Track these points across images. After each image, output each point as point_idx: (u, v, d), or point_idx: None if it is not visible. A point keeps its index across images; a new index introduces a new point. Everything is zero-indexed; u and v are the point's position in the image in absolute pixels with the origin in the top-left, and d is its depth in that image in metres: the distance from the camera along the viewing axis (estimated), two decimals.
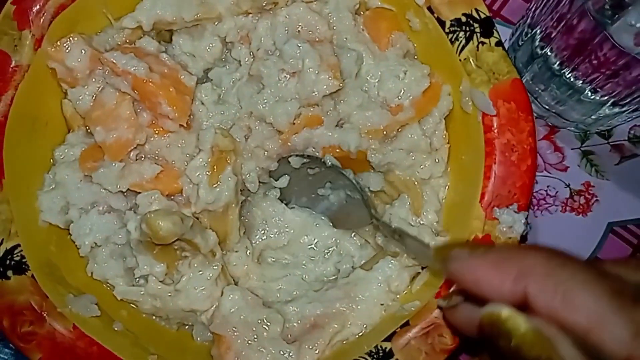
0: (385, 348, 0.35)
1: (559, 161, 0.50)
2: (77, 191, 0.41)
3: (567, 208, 0.49)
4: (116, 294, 0.40)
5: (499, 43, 0.39)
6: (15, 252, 0.36)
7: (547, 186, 0.49)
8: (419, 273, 0.40)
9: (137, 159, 0.41)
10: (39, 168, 0.41)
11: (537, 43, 0.46)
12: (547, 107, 0.48)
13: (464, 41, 0.39)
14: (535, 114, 0.42)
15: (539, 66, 0.47)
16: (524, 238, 0.36)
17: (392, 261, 0.40)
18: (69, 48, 0.40)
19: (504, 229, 0.36)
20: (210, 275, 0.40)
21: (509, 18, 0.53)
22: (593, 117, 0.47)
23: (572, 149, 0.50)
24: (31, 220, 0.39)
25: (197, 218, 0.41)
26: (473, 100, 0.38)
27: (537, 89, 0.47)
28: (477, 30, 0.38)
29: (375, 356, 0.35)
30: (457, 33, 0.39)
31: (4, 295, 0.35)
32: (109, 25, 0.43)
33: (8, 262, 0.36)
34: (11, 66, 0.39)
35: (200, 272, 0.40)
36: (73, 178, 0.41)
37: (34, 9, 0.40)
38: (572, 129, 0.50)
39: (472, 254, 0.27)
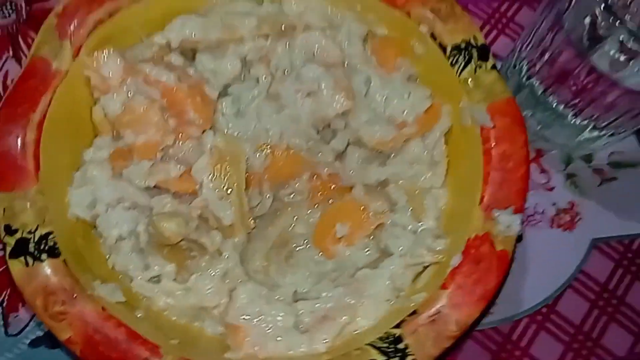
0: (395, 334, 0.38)
1: (545, 182, 0.55)
2: (105, 188, 0.43)
3: (554, 224, 0.53)
4: (133, 286, 0.42)
5: (494, 67, 0.43)
6: (49, 237, 0.39)
7: (536, 204, 0.54)
8: (422, 271, 0.43)
9: (162, 160, 0.44)
10: (69, 167, 0.44)
11: (523, 74, 0.52)
12: (533, 131, 0.53)
13: (463, 64, 0.44)
14: None
15: (526, 94, 0.52)
16: (519, 237, 0.40)
17: (397, 260, 0.43)
18: (105, 58, 0.44)
19: (502, 229, 0.40)
20: (218, 273, 0.43)
21: (499, 53, 0.58)
22: (575, 140, 0.51)
23: (557, 171, 0.55)
24: (62, 213, 0.42)
25: (205, 219, 0.44)
26: (472, 114, 0.43)
27: (524, 114, 0.52)
28: (475, 54, 0.43)
29: (385, 341, 0.37)
30: (457, 57, 0.44)
31: (38, 277, 0.37)
32: (140, 42, 0.47)
33: (43, 246, 0.38)
34: (51, 71, 0.43)
35: (208, 271, 0.43)
36: (102, 176, 0.43)
37: (75, 22, 0.44)
38: (557, 152, 0.55)
39: None
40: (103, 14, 0.44)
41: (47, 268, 0.38)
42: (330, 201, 0.48)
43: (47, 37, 0.43)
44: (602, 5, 0.39)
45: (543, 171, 0.55)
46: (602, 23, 0.40)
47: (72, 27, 0.43)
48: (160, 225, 0.39)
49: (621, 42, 0.40)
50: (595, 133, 0.50)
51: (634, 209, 0.53)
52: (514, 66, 0.52)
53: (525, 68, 0.51)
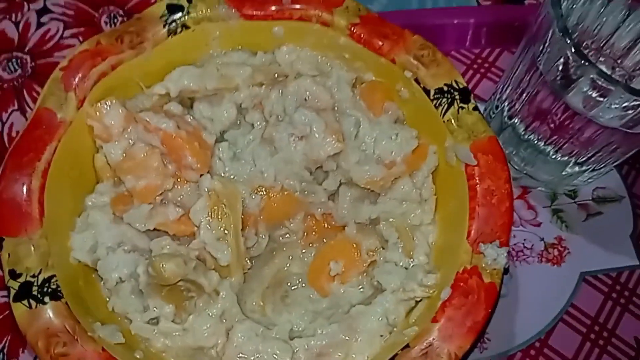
0: None
1: (532, 218, 0.56)
2: (106, 232, 0.45)
3: (543, 259, 0.55)
4: (132, 328, 0.43)
5: (476, 108, 0.46)
6: (51, 281, 0.40)
7: (524, 239, 0.55)
8: (414, 306, 0.44)
9: (162, 203, 0.46)
10: (72, 212, 0.46)
11: (505, 114, 0.54)
12: (518, 168, 0.55)
13: (446, 106, 0.46)
14: None
15: (508, 133, 0.54)
16: (505, 270, 0.41)
17: (389, 296, 0.44)
18: (107, 108, 0.47)
19: (489, 262, 0.41)
20: (215, 313, 0.44)
21: (482, 96, 0.61)
22: (559, 177, 0.53)
23: (543, 207, 0.57)
24: (64, 257, 0.43)
25: (203, 259, 0.45)
26: (456, 153, 0.45)
27: (508, 152, 0.55)
28: (457, 97, 0.46)
29: None
30: (440, 99, 0.46)
31: (40, 319, 0.38)
32: (141, 92, 0.50)
33: (45, 289, 0.39)
34: (56, 121, 0.45)
35: (206, 311, 0.44)
36: (103, 220, 0.45)
37: (79, 75, 0.46)
38: (542, 189, 0.57)
39: None
40: (106, 67, 0.47)
41: (49, 310, 0.39)
42: (324, 240, 0.50)
43: (52, 89, 0.45)
44: (572, 48, 0.42)
45: (530, 207, 0.57)
46: (574, 64, 0.43)
47: (76, 80, 0.46)
48: (160, 265, 0.40)
49: (593, 81, 0.42)
50: (577, 168, 0.52)
51: (620, 243, 0.55)
52: (496, 107, 0.55)
53: (506, 108, 0.53)
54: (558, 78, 0.45)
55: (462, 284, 0.40)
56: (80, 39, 0.64)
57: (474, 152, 0.44)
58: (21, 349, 0.51)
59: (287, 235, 0.50)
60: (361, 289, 0.48)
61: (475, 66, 0.64)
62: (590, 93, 0.44)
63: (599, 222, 0.56)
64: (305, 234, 0.50)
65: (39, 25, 0.65)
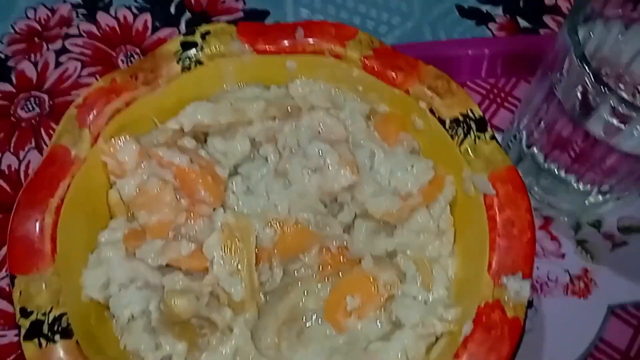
0: None
1: (556, 249, 0.54)
2: (118, 268, 0.44)
3: (569, 292, 0.53)
4: None
5: (493, 137, 0.45)
6: (62, 319, 0.39)
7: (548, 271, 0.53)
8: (435, 342, 0.42)
9: (174, 238, 0.45)
10: (84, 249, 0.45)
11: (523, 143, 0.53)
12: (539, 199, 0.54)
13: (462, 136, 0.45)
14: None
15: (528, 163, 0.53)
16: (530, 303, 0.39)
17: (408, 331, 0.42)
18: (121, 145, 0.47)
19: (512, 295, 0.39)
20: (228, 351, 0.42)
21: (499, 126, 0.61)
22: (582, 206, 0.52)
23: (567, 238, 0.55)
24: (76, 294, 0.42)
25: (216, 295, 0.44)
26: (474, 183, 0.44)
27: (528, 182, 0.53)
28: (474, 126, 0.45)
29: None
30: (456, 129, 0.46)
31: (51, 358, 0.38)
32: (155, 128, 0.50)
33: (56, 327, 0.39)
34: (70, 158, 0.45)
35: (219, 349, 0.42)
36: (116, 256, 0.45)
37: (93, 112, 0.46)
38: (565, 219, 0.55)
39: None
40: (120, 104, 0.47)
41: (60, 349, 0.38)
42: (340, 274, 0.49)
43: (67, 126, 0.46)
44: (591, 76, 0.41)
45: (553, 238, 0.55)
46: (593, 92, 0.42)
47: (91, 117, 0.46)
48: (172, 302, 0.39)
49: (613, 108, 0.41)
50: (600, 198, 0.50)
51: None
52: (514, 137, 0.54)
53: (524, 137, 0.52)
54: (577, 106, 0.44)
55: (484, 318, 0.39)
56: (98, 77, 0.65)
57: (493, 182, 0.43)
58: None
59: (302, 269, 0.49)
60: (379, 325, 0.46)
61: (491, 96, 0.63)
62: (610, 120, 0.43)
63: (625, 252, 0.54)
64: (321, 267, 0.49)
65: (57, 64, 0.66)
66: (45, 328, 0.39)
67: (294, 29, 0.50)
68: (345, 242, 0.48)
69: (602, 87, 0.41)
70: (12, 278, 0.41)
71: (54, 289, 0.40)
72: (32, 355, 0.38)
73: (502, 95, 0.63)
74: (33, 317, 0.39)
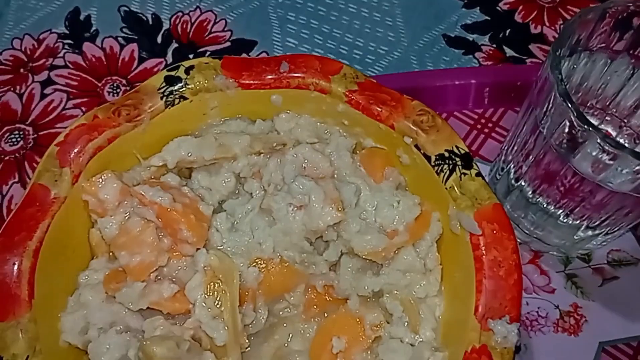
0: None
1: (545, 284, 0.54)
2: (98, 312, 0.43)
3: (559, 328, 0.52)
4: None
5: (479, 174, 0.44)
6: None
7: (538, 307, 0.52)
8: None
9: (156, 280, 0.44)
10: (63, 291, 0.44)
11: (511, 176, 0.53)
12: (528, 232, 0.53)
13: (448, 172, 0.45)
14: (519, 240, 0.47)
15: (516, 196, 0.52)
16: (517, 348, 0.39)
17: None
18: (102, 183, 0.46)
19: (499, 340, 0.39)
20: None
21: (487, 157, 0.60)
22: (571, 240, 0.51)
23: (556, 272, 0.54)
24: (53, 340, 0.41)
25: (199, 339, 0.43)
26: (460, 222, 0.43)
27: (516, 216, 0.53)
28: (459, 163, 0.45)
29: None
30: (442, 166, 0.45)
31: None
32: (138, 164, 0.49)
33: None
34: (50, 198, 0.44)
35: None
36: (95, 299, 0.44)
37: (75, 150, 0.46)
38: (555, 253, 0.54)
39: None
40: (102, 141, 0.46)
41: None
42: (325, 314, 0.48)
43: (47, 165, 0.45)
44: (575, 113, 0.41)
45: (542, 273, 0.54)
46: (578, 129, 0.41)
47: (72, 155, 0.45)
48: (151, 350, 0.38)
49: (600, 145, 0.41)
50: (590, 232, 0.50)
51: (639, 309, 0.52)
52: (502, 169, 0.54)
53: (512, 170, 0.52)
54: (563, 141, 0.44)
55: None
56: (83, 109, 0.65)
57: (478, 220, 0.42)
58: None
59: (287, 309, 0.48)
60: None
61: (479, 126, 0.63)
62: (598, 156, 0.42)
63: (615, 287, 0.53)
64: (306, 307, 0.48)
65: (43, 96, 0.66)
66: None
67: (279, 62, 0.49)
68: (331, 281, 0.48)
69: (586, 125, 0.40)
70: None
71: (30, 337, 0.39)
72: None
73: (490, 125, 0.63)
74: None
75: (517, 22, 0.70)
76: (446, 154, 0.45)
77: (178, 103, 0.49)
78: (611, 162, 0.42)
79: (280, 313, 0.48)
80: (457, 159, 0.45)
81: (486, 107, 0.64)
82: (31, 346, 0.39)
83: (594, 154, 0.43)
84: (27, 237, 0.42)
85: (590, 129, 0.40)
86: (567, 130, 0.43)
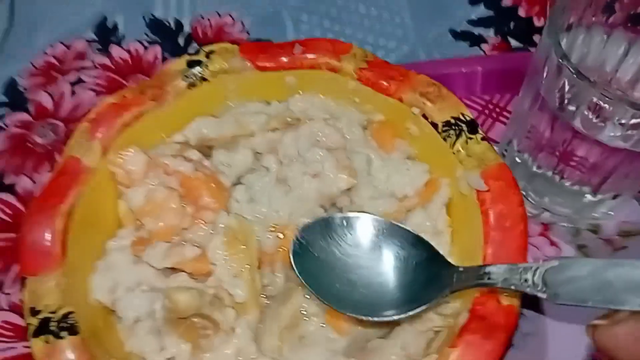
0: None
1: (556, 254, 0.55)
2: (125, 273, 0.46)
3: None
4: None
5: (484, 138, 0.47)
6: (69, 316, 0.41)
7: None
8: (434, 337, 0.43)
9: (179, 244, 0.47)
10: (92, 256, 0.47)
11: (515, 152, 0.55)
12: (535, 203, 0.55)
13: (455, 138, 0.47)
14: (528, 213, 0.49)
15: (520, 169, 0.54)
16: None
17: (408, 328, 0.43)
18: (129, 155, 0.49)
19: None
20: (231, 351, 0.43)
21: (495, 139, 0.62)
22: (577, 208, 0.53)
23: (567, 243, 0.55)
24: (83, 297, 0.44)
25: (220, 298, 0.45)
26: (468, 181, 0.45)
27: (523, 186, 0.55)
28: (465, 128, 0.47)
29: None
30: (449, 132, 0.47)
31: (57, 354, 0.39)
32: (162, 141, 0.52)
33: (63, 324, 0.40)
34: (81, 168, 0.47)
35: (222, 349, 0.43)
36: (123, 262, 0.46)
37: (104, 126, 0.49)
38: (564, 224, 0.56)
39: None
40: (129, 118, 0.50)
41: (66, 345, 0.39)
42: None
43: (79, 139, 0.48)
44: (571, 70, 0.42)
45: (553, 244, 0.56)
46: (575, 87, 0.43)
47: (101, 130, 0.49)
48: (175, 296, 0.41)
49: (595, 102, 0.42)
50: (593, 198, 0.51)
51: None
52: (507, 144, 0.56)
53: (515, 144, 0.54)
54: (561, 104, 0.46)
55: (479, 308, 0.39)
56: None
57: (485, 179, 0.44)
58: None
59: None
60: (380, 325, 0.46)
61: (486, 111, 0.65)
62: (593, 114, 0.44)
63: (625, 255, 0.54)
64: None
65: (72, 94, 0.70)
66: (52, 325, 0.40)
67: (293, 45, 0.53)
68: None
69: (581, 79, 0.42)
70: (23, 280, 0.42)
71: (62, 289, 0.42)
72: (40, 350, 0.39)
73: (497, 110, 0.65)
74: (41, 315, 0.41)
75: (520, 16, 0.73)
76: (452, 121, 0.48)
77: (199, 84, 0.52)
78: (608, 117, 0.44)
79: (296, 279, 0.50)
80: (463, 125, 0.47)
81: (493, 93, 0.66)
82: (62, 298, 0.42)
83: (589, 113, 0.45)
84: (59, 201, 0.45)
85: (586, 82, 0.42)
86: (565, 91, 0.45)
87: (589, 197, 0.51)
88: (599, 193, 0.50)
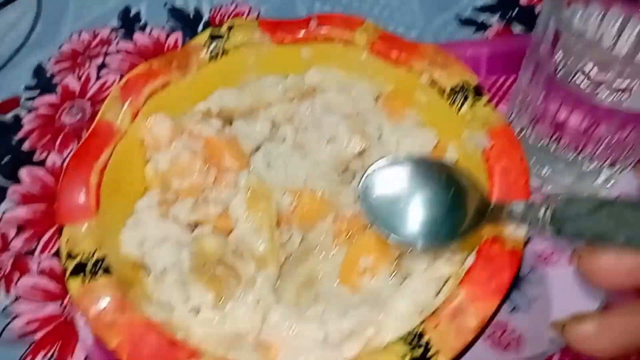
0: (417, 331, 0.40)
1: None
2: (153, 229, 0.49)
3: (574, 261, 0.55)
4: (174, 317, 0.46)
5: (489, 101, 0.50)
6: (104, 260, 0.44)
7: (553, 244, 0.56)
8: (443, 285, 0.45)
9: (203, 202, 0.50)
10: (123, 214, 0.50)
11: (514, 122, 0.58)
12: (536, 172, 0.57)
13: (461, 102, 0.50)
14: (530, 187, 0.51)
15: (522, 141, 0.57)
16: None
17: (417, 277, 0.46)
18: (157, 121, 0.52)
19: (510, 231, 0.43)
20: (252, 300, 0.46)
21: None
22: (577, 176, 0.55)
23: None
24: (114, 248, 0.47)
25: (241, 253, 0.48)
26: (473, 141, 0.48)
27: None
28: (471, 93, 0.50)
29: (408, 336, 0.39)
30: (455, 96, 0.51)
31: (93, 292, 0.42)
32: (186, 110, 0.56)
33: (97, 267, 0.43)
34: (113, 130, 0.51)
35: (243, 298, 0.46)
36: (151, 219, 0.49)
37: (134, 92, 0.52)
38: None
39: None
40: (157, 86, 0.53)
41: (102, 284, 0.42)
42: (354, 240, 0.53)
43: (111, 104, 0.52)
44: (569, 30, 0.45)
45: None
46: (573, 48, 0.46)
47: (131, 96, 0.52)
48: (202, 241, 0.44)
49: (592, 65, 0.45)
50: (592, 165, 0.54)
51: None
52: (509, 118, 0.59)
53: (515, 118, 0.57)
54: (556, 70, 0.49)
55: (484, 251, 0.42)
56: None
57: (489, 137, 0.47)
58: (70, 355, 0.54)
59: (319, 236, 0.53)
60: (391, 280, 0.49)
61: (492, 91, 0.68)
62: (587, 78, 0.47)
63: None
64: (335, 234, 0.53)
65: (98, 77, 0.74)
66: (88, 267, 0.43)
67: (309, 21, 0.56)
68: (358, 210, 0.52)
69: (579, 41, 0.45)
70: (60, 229, 0.46)
71: (96, 237, 0.45)
72: (77, 289, 0.42)
73: (503, 90, 0.68)
74: (77, 260, 0.44)
75: (522, 5, 0.76)
76: (459, 87, 0.51)
77: (221, 57, 0.56)
78: (603, 79, 0.46)
79: (313, 240, 0.53)
80: (469, 90, 0.50)
81: (499, 75, 0.69)
82: (97, 244, 0.45)
83: (585, 75, 0.47)
84: (93, 159, 0.49)
85: (584, 44, 0.45)
86: (562, 54, 0.48)
87: (587, 165, 0.54)
88: (595, 160, 0.53)
